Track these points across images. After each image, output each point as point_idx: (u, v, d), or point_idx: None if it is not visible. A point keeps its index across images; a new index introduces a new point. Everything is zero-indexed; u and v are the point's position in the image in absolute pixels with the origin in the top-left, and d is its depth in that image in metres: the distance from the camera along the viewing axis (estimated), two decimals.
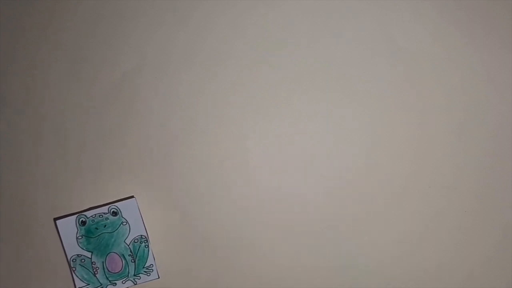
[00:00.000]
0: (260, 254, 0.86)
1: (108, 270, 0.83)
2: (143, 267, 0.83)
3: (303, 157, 0.86)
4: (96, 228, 0.83)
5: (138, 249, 0.83)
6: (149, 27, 0.85)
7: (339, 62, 0.86)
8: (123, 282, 0.83)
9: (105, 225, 0.83)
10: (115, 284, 0.83)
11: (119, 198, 0.84)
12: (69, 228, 0.83)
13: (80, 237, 0.83)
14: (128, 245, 0.83)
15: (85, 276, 0.83)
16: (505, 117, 0.86)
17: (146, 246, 0.83)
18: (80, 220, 0.83)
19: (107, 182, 0.84)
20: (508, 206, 0.86)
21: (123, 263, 0.83)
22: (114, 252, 0.83)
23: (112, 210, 0.83)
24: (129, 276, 0.83)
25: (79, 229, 0.83)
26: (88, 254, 0.83)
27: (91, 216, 0.83)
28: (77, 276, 0.83)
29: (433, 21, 0.86)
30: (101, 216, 0.83)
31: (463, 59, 0.86)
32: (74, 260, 0.83)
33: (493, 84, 0.86)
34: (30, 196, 0.84)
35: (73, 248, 0.83)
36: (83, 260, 0.83)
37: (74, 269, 0.83)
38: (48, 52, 0.85)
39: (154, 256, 0.84)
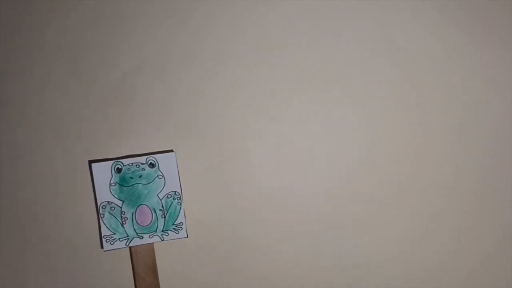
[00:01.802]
0: (260, 253, 0.86)
1: (137, 222, 0.81)
2: (173, 224, 0.81)
3: (303, 157, 0.86)
4: (131, 178, 0.80)
5: (170, 205, 0.81)
6: (149, 27, 0.85)
7: (339, 62, 0.86)
8: (150, 236, 0.81)
9: (140, 176, 0.80)
10: (142, 237, 0.81)
11: (158, 150, 0.83)
12: (103, 173, 0.80)
13: (114, 184, 0.80)
14: (161, 200, 0.81)
15: (113, 225, 0.80)
16: (505, 117, 0.86)
17: (179, 204, 0.81)
18: (116, 167, 0.80)
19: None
20: (508, 206, 0.87)
21: (153, 217, 0.81)
22: (146, 205, 0.81)
23: (150, 161, 0.81)
24: (157, 231, 0.81)
25: (113, 175, 0.80)
26: (119, 203, 0.80)
27: (128, 164, 0.80)
28: (104, 224, 0.80)
29: (433, 21, 0.86)
30: (138, 166, 0.80)
31: (463, 59, 0.86)
32: (103, 207, 0.80)
33: (493, 84, 0.86)
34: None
35: (105, 194, 0.80)
36: (112, 208, 0.80)
37: (102, 215, 0.80)
38: (48, 52, 0.85)
39: (185, 214, 0.82)
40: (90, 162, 0.81)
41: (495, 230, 0.86)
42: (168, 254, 0.84)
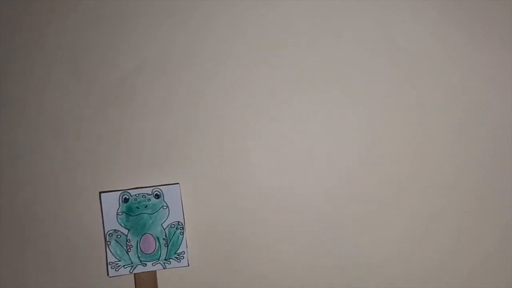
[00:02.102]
0: (260, 253, 0.86)
1: (141, 250, 0.84)
2: (175, 253, 0.84)
3: (303, 157, 0.86)
4: (137, 207, 0.84)
5: (173, 235, 0.84)
6: (149, 28, 0.85)
7: (339, 62, 0.86)
8: (153, 264, 0.84)
9: (146, 206, 0.84)
10: (145, 265, 0.84)
11: (164, 183, 0.85)
12: (112, 202, 0.84)
13: (121, 213, 0.84)
14: (165, 229, 0.84)
15: (118, 252, 0.84)
16: (505, 117, 0.86)
17: (181, 233, 0.84)
18: (124, 197, 0.84)
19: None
20: (508, 206, 0.86)
21: (157, 245, 0.84)
22: (150, 234, 0.84)
23: (155, 192, 0.84)
24: (160, 259, 0.84)
25: (121, 205, 0.84)
26: (125, 231, 0.84)
27: (135, 195, 0.84)
28: (110, 251, 0.84)
29: (433, 21, 0.86)
30: (144, 197, 0.84)
31: (463, 59, 0.86)
32: (110, 235, 0.84)
33: (493, 84, 0.86)
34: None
35: (112, 222, 0.84)
36: (119, 236, 0.84)
37: (109, 243, 0.84)
38: (48, 52, 0.85)
39: (187, 244, 0.85)
40: (100, 193, 0.84)
41: (495, 230, 0.86)
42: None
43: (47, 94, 0.84)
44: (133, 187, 0.85)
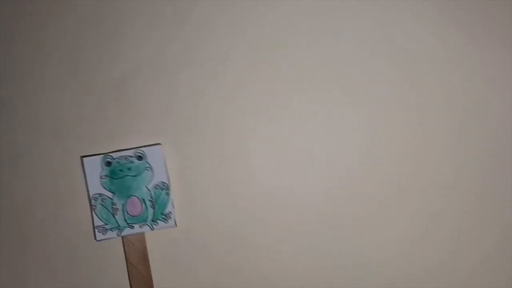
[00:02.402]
0: (260, 253, 0.86)
1: (127, 213, 0.84)
2: (162, 214, 0.84)
3: (303, 157, 0.86)
4: (121, 170, 0.84)
5: (159, 196, 0.84)
6: (148, 27, 0.85)
7: (339, 62, 0.86)
8: (141, 226, 0.84)
9: (129, 168, 0.84)
10: (133, 227, 0.84)
11: (145, 144, 0.85)
12: (94, 167, 0.84)
13: (104, 176, 0.84)
14: (150, 190, 0.84)
15: (104, 216, 0.84)
16: (505, 117, 0.86)
17: (167, 194, 0.84)
18: (106, 160, 0.84)
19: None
20: (508, 206, 0.86)
21: (143, 207, 0.84)
22: (135, 196, 0.84)
23: (138, 154, 0.84)
24: (147, 221, 0.84)
25: (104, 169, 0.84)
26: (110, 195, 0.84)
27: (117, 157, 0.84)
28: (96, 215, 0.84)
29: (433, 21, 0.86)
30: (126, 159, 0.84)
31: (463, 59, 0.86)
32: (95, 199, 0.84)
33: (493, 84, 0.86)
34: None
35: (96, 187, 0.84)
36: (104, 200, 0.84)
37: (94, 207, 0.84)
38: (47, 53, 0.85)
39: (174, 204, 0.84)
40: (82, 157, 0.84)
41: (495, 230, 0.86)
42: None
43: (47, 94, 0.84)
44: (115, 149, 0.84)
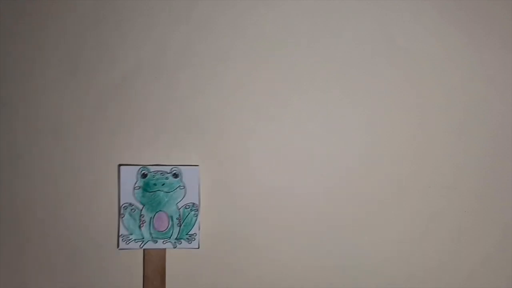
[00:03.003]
0: (260, 253, 0.86)
1: (154, 227, 0.84)
2: (187, 234, 0.85)
3: (303, 157, 0.86)
4: (155, 184, 0.84)
5: (187, 216, 0.85)
6: (148, 27, 0.85)
7: (339, 62, 0.86)
8: (164, 242, 0.84)
9: (163, 184, 0.84)
10: (156, 242, 0.84)
11: (184, 163, 0.85)
12: (130, 176, 0.84)
13: (138, 187, 0.84)
14: (179, 209, 0.84)
15: (131, 226, 0.84)
16: (505, 117, 0.86)
17: (195, 215, 0.85)
18: (142, 172, 0.84)
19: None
20: (508, 206, 0.86)
21: (170, 224, 0.84)
22: (164, 212, 0.84)
23: (174, 171, 0.85)
24: (171, 238, 0.84)
25: (138, 180, 0.84)
26: (140, 206, 0.84)
27: (153, 171, 0.84)
28: (123, 224, 0.84)
29: (433, 21, 0.86)
30: (162, 174, 0.84)
31: (463, 59, 0.86)
32: (125, 208, 0.84)
33: (493, 84, 0.86)
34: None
35: (128, 196, 0.84)
36: (133, 210, 0.84)
37: (122, 215, 0.84)
38: (47, 53, 0.85)
39: (200, 226, 0.85)
40: (120, 165, 0.85)
41: (495, 230, 0.86)
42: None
43: (46, 94, 0.84)
44: (153, 163, 0.85)
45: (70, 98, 0.85)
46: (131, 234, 0.84)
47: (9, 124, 0.84)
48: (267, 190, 0.86)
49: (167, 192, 0.84)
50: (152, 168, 0.84)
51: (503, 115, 0.86)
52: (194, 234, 0.85)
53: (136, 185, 0.84)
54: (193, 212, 0.85)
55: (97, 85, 0.85)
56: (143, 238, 0.84)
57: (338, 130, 0.86)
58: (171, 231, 0.84)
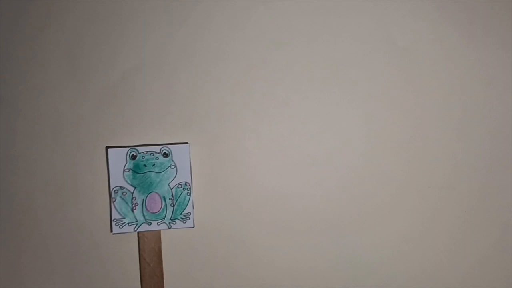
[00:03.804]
0: (260, 254, 0.86)
1: (147, 209, 0.83)
2: (181, 214, 0.84)
3: (302, 157, 0.86)
4: (145, 165, 0.83)
5: (180, 195, 0.83)
6: (148, 26, 0.85)
7: (338, 62, 0.86)
8: (158, 223, 0.83)
9: (153, 164, 0.83)
10: (150, 223, 0.83)
11: (173, 142, 0.84)
12: (118, 159, 0.83)
13: (128, 170, 0.83)
14: (171, 189, 0.83)
15: (123, 210, 0.83)
16: (505, 117, 0.85)
17: (188, 194, 0.83)
18: (131, 153, 0.83)
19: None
20: (508, 206, 0.86)
21: (163, 205, 0.83)
22: (156, 193, 0.83)
23: (164, 151, 0.83)
24: (165, 219, 0.83)
25: (128, 162, 0.83)
26: (131, 189, 0.83)
27: (143, 152, 0.83)
28: (115, 208, 0.83)
29: (433, 21, 0.86)
30: (152, 154, 0.83)
31: (463, 59, 0.86)
32: (116, 191, 0.83)
33: (493, 84, 0.85)
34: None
35: (118, 179, 0.83)
36: (124, 193, 0.83)
37: (114, 199, 0.83)
38: (47, 52, 0.85)
39: (194, 205, 0.84)
40: (107, 147, 0.84)
41: (495, 230, 0.86)
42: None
43: (46, 94, 0.85)
44: (142, 144, 0.84)
45: (70, 98, 0.85)
46: (124, 217, 0.83)
47: (8, 124, 0.85)
48: (266, 191, 0.86)
49: (158, 172, 0.83)
50: (142, 149, 0.83)
51: (503, 115, 0.85)
52: (189, 213, 0.83)
53: (126, 167, 0.83)
54: (186, 191, 0.83)
55: (97, 84, 0.85)
56: (136, 221, 0.83)
57: (338, 130, 0.86)
58: (164, 212, 0.83)
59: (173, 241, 0.85)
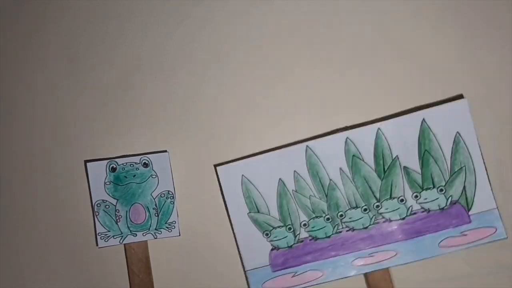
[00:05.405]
0: None
1: (131, 220, 0.83)
2: (166, 223, 0.83)
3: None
4: (125, 177, 0.83)
5: (164, 204, 0.83)
6: (147, 26, 0.85)
7: (338, 62, 0.86)
8: (144, 234, 0.83)
9: (134, 175, 0.83)
10: (136, 235, 0.83)
11: (152, 151, 0.84)
12: (98, 172, 0.83)
13: (108, 182, 0.83)
14: (154, 199, 0.83)
15: (107, 223, 0.83)
16: (505, 117, 0.84)
17: (172, 203, 0.83)
18: (111, 166, 0.83)
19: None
20: (508, 206, 0.84)
21: (147, 215, 0.83)
22: (139, 203, 0.83)
23: (143, 161, 0.83)
24: (150, 229, 0.83)
25: (108, 174, 0.83)
26: (113, 201, 0.83)
27: (122, 163, 0.83)
28: (99, 222, 0.83)
29: (433, 21, 0.85)
30: (132, 166, 0.83)
31: (463, 59, 0.85)
32: (98, 205, 0.83)
33: (493, 84, 0.84)
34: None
35: (100, 193, 0.83)
36: (107, 206, 0.83)
37: (97, 213, 0.83)
38: (46, 52, 0.85)
39: (178, 213, 0.84)
40: (86, 161, 0.83)
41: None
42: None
43: (45, 94, 0.85)
44: (120, 155, 0.84)
45: (69, 98, 0.85)
46: (109, 231, 0.83)
47: (8, 124, 0.85)
48: None
49: (139, 183, 0.83)
50: (121, 160, 0.83)
51: (502, 115, 0.84)
52: (173, 222, 0.83)
53: (106, 180, 0.83)
54: (169, 200, 0.83)
55: (96, 85, 0.85)
56: (121, 233, 0.83)
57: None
58: (149, 222, 0.83)
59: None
